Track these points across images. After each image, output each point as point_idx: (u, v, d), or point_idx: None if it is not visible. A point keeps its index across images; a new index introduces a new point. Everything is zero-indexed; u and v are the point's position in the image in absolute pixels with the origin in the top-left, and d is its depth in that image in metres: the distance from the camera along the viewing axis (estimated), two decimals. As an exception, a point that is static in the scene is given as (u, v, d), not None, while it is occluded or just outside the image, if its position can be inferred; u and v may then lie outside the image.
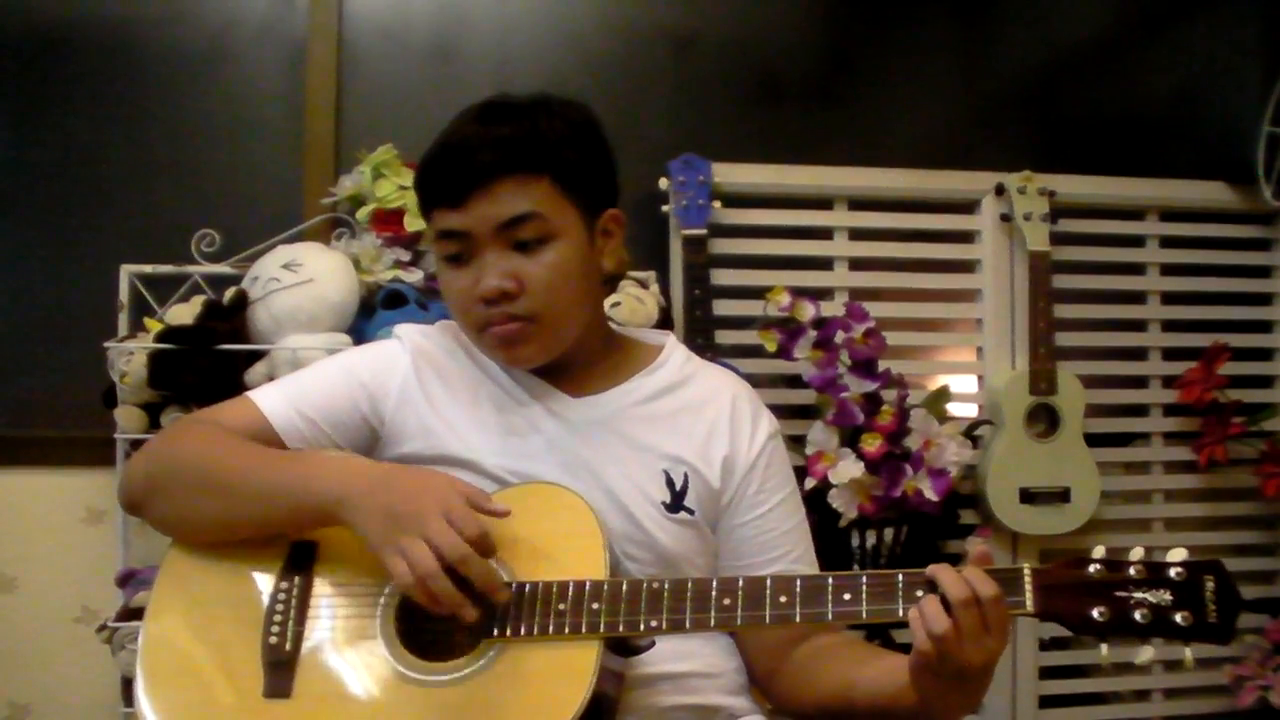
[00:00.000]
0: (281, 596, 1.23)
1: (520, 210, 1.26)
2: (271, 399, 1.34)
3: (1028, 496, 2.35)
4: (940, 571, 1.11)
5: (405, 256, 2.15)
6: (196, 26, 2.31)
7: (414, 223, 2.11)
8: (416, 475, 1.19)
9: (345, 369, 1.38)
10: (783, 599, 1.15)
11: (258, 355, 2.01)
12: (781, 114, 2.55)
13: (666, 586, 1.17)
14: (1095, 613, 1.09)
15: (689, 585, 1.18)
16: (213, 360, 1.97)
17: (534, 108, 1.31)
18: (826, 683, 1.30)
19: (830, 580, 1.16)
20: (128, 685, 1.95)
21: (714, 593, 1.17)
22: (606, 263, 1.36)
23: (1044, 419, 2.39)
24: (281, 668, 1.19)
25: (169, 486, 1.28)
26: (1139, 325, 2.56)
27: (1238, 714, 2.48)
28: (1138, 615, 1.09)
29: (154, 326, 2.02)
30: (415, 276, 2.12)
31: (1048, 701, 2.46)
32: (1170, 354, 2.55)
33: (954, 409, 2.36)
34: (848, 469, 2.10)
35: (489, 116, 1.30)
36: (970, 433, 2.32)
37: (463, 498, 1.16)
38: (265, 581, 1.25)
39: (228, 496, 1.24)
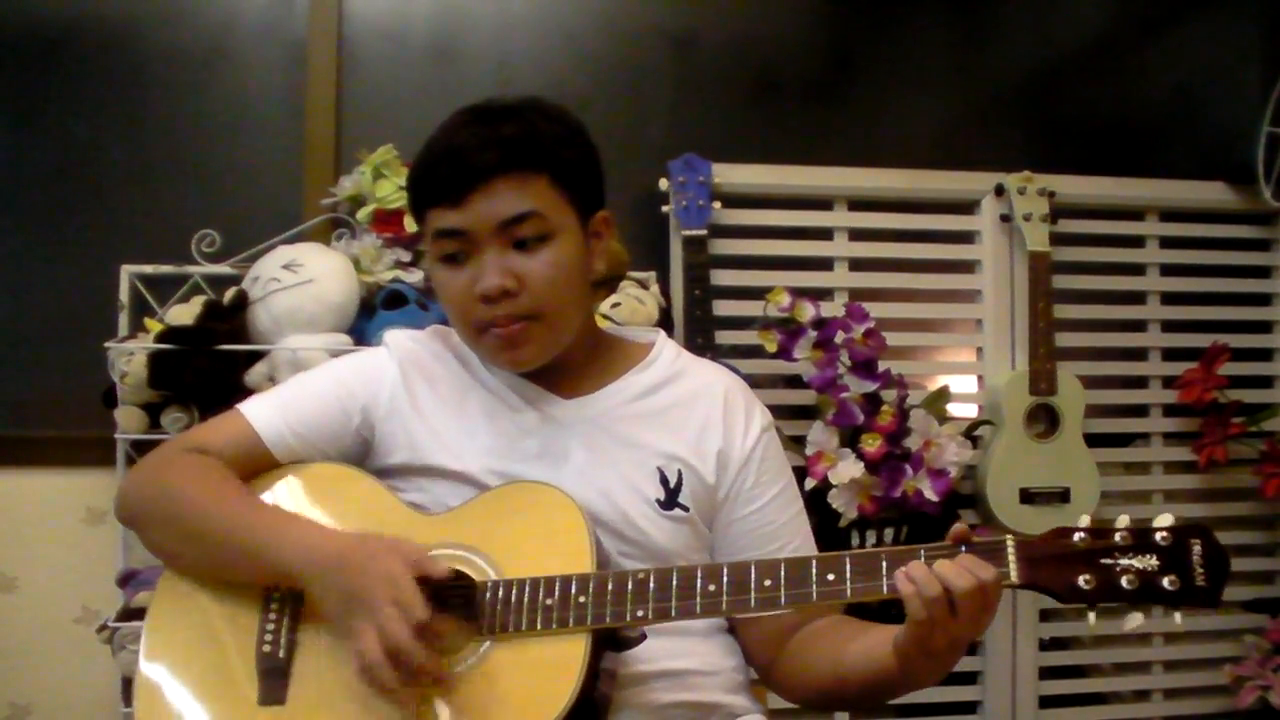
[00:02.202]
0: (275, 604, 1.24)
1: (521, 209, 1.26)
2: (262, 414, 1.34)
3: (1028, 496, 2.35)
4: (941, 567, 1.10)
5: (405, 257, 2.15)
6: (196, 26, 2.31)
7: (414, 223, 2.10)
8: (371, 552, 1.17)
9: (335, 380, 1.38)
10: (767, 583, 1.15)
11: (258, 355, 2.01)
12: (781, 114, 2.55)
13: (652, 577, 1.18)
14: (1081, 581, 1.09)
15: (674, 574, 1.18)
16: (213, 360, 1.97)
17: (529, 109, 1.31)
18: (819, 664, 1.31)
19: (814, 562, 1.16)
20: (128, 685, 1.95)
21: (699, 580, 1.17)
22: (598, 264, 1.36)
23: (1044, 419, 2.39)
24: (275, 675, 1.20)
25: (153, 524, 1.31)
26: (1139, 325, 2.57)
27: (1238, 714, 2.48)
28: (1124, 582, 1.08)
29: (154, 327, 2.02)
30: (415, 277, 2.12)
31: (1048, 701, 2.46)
32: (1170, 354, 2.56)
33: (954, 409, 2.37)
34: (848, 469, 2.10)
35: (486, 118, 1.30)
36: (970, 433, 2.32)
37: (411, 579, 1.13)
38: (260, 589, 1.25)
39: (202, 549, 1.27)
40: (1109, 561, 1.09)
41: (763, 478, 1.38)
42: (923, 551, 1.13)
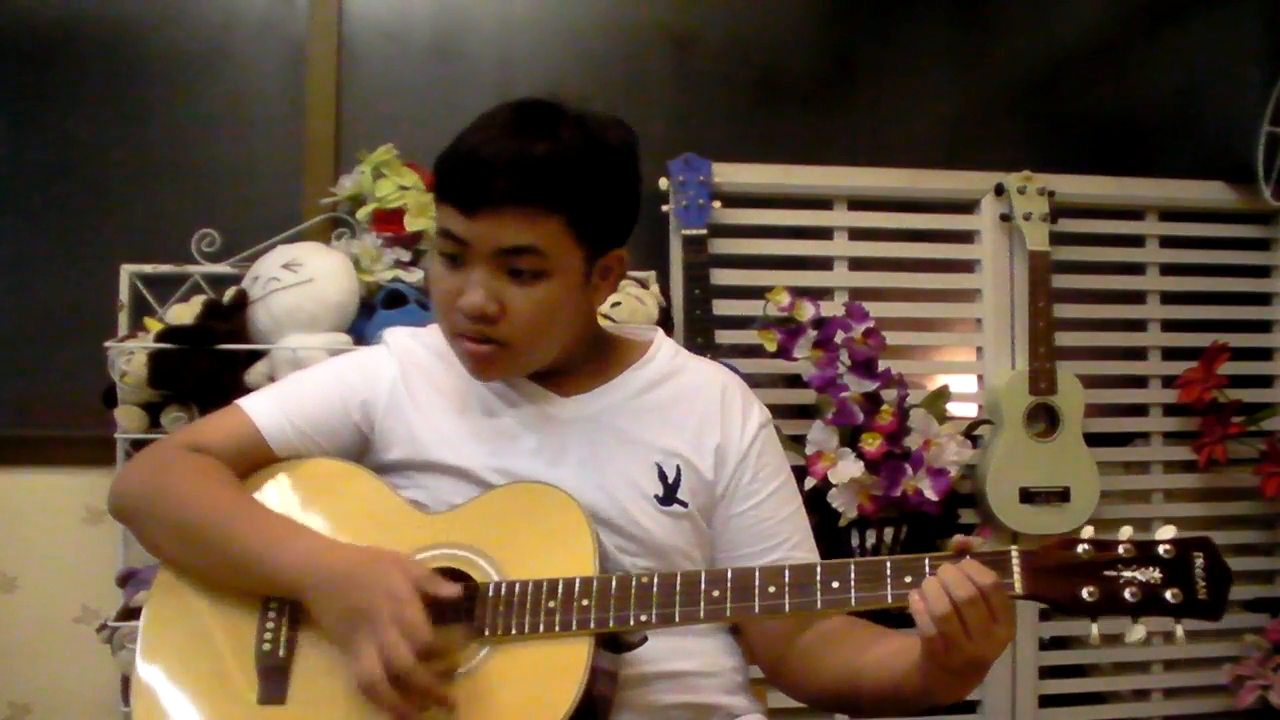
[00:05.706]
0: (274, 603, 1.24)
1: (522, 242, 1.22)
2: (263, 408, 1.34)
3: (1027, 496, 2.35)
4: (942, 572, 1.10)
5: (405, 256, 2.14)
6: (196, 26, 2.31)
7: (414, 222, 2.11)
8: (376, 572, 1.16)
9: (335, 376, 1.38)
10: (771, 589, 1.16)
11: (258, 355, 2.01)
12: (781, 114, 2.55)
13: (655, 580, 1.18)
14: (1085, 592, 1.09)
15: (678, 578, 1.18)
16: (213, 360, 1.97)
17: (574, 128, 1.25)
18: (831, 668, 1.31)
19: (819, 569, 1.16)
20: (127, 685, 1.94)
21: (703, 585, 1.17)
22: (597, 298, 1.34)
23: (1044, 419, 2.39)
24: (275, 673, 1.20)
25: (149, 523, 1.30)
26: (1139, 325, 2.57)
27: (1238, 714, 2.48)
28: (1127, 594, 1.09)
29: (154, 326, 2.02)
30: (415, 276, 2.12)
31: (1048, 701, 2.45)
32: (1170, 354, 2.56)
33: (954, 409, 2.36)
34: (848, 469, 2.10)
35: (526, 126, 1.24)
36: (970, 432, 2.32)
37: (417, 598, 1.13)
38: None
39: (199, 555, 1.26)
40: (1112, 574, 1.10)
41: (760, 473, 1.38)
42: (927, 561, 1.13)
